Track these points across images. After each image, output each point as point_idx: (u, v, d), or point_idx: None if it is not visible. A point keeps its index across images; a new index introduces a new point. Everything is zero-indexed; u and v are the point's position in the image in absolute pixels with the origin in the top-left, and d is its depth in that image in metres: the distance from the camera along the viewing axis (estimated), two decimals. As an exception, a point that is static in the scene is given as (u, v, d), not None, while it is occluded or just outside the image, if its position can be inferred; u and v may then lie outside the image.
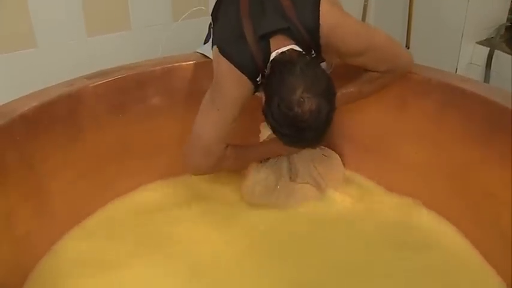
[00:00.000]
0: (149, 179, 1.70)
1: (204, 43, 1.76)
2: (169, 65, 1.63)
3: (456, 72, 2.61)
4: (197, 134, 1.45)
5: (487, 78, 2.55)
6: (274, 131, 1.33)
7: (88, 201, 1.54)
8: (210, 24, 1.66)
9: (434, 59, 2.58)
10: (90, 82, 1.48)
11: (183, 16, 2.09)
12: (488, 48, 2.55)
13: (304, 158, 1.63)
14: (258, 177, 1.60)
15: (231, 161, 1.51)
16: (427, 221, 1.56)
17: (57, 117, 1.40)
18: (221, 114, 1.41)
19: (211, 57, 1.51)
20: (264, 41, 1.36)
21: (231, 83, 1.39)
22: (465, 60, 2.63)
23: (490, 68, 2.55)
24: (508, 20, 2.83)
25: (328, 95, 1.27)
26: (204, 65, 1.63)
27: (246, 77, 1.38)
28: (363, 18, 2.72)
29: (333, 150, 1.71)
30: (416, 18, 2.68)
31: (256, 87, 1.43)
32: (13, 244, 1.28)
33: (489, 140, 1.37)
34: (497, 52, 2.52)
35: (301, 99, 1.22)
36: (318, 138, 1.32)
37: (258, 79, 1.40)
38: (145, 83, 1.58)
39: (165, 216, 1.58)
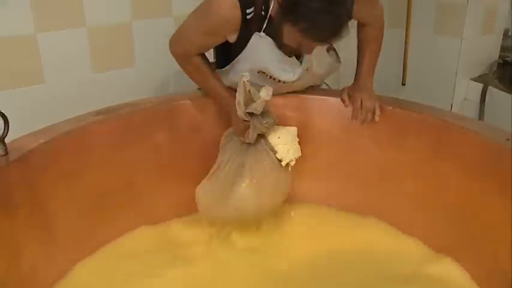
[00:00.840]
0: (152, 216, 1.70)
1: None
2: (174, 103, 1.68)
3: (452, 107, 2.66)
4: (182, 24, 1.57)
5: (481, 113, 2.60)
6: (296, 14, 1.29)
7: (92, 236, 1.55)
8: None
9: (430, 96, 2.64)
10: (97, 119, 1.52)
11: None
12: (482, 85, 2.61)
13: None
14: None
15: (194, 69, 1.60)
16: (425, 255, 1.58)
17: (64, 153, 1.43)
18: (201, 25, 1.49)
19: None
20: None
21: (219, 2, 1.42)
22: (460, 96, 2.68)
23: (484, 104, 2.59)
24: (500, 57, 2.91)
25: None
26: (206, 103, 1.70)
27: (238, 3, 1.41)
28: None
29: (331, 185, 1.74)
30: (412, 56, 2.75)
31: (243, 23, 1.45)
32: (19, 280, 1.29)
33: (487, 175, 1.41)
34: (490, 88, 2.58)
35: None
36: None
37: (249, 11, 1.43)
38: (150, 120, 1.63)
39: (164, 256, 1.58)
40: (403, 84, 2.79)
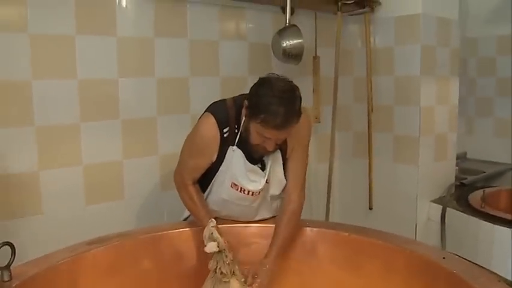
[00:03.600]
0: None
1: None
2: (159, 233, 1.89)
3: (416, 228, 2.88)
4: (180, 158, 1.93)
5: (443, 233, 2.81)
6: (256, 110, 1.67)
7: None
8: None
9: (396, 217, 2.89)
10: (91, 247, 1.71)
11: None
12: (441, 206, 2.86)
13: None
14: None
15: (188, 198, 1.90)
16: None
17: (61, 279, 1.60)
18: (191, 149, 1.88)
19: None
20: (239, 101, 1.81)
21: (203, 126, 1.83)
22: (423, 217, 2.92)
23: (444, 224, 2.82)
24: (458, 179, 3.19)
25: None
26: (188, 232, 1.92)
27: (215, 122, 1.79)
28: (328, 189, 2.99)
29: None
30: (376, 183, 3.02)
31: (222, 141, 1.80)
32: None
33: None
34: (449, 209, 2.83)
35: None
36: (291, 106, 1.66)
37: (225, 130, 1.80)
38: (137, 249, 1.82)
39: None
40: (370, 208, 3.02)
